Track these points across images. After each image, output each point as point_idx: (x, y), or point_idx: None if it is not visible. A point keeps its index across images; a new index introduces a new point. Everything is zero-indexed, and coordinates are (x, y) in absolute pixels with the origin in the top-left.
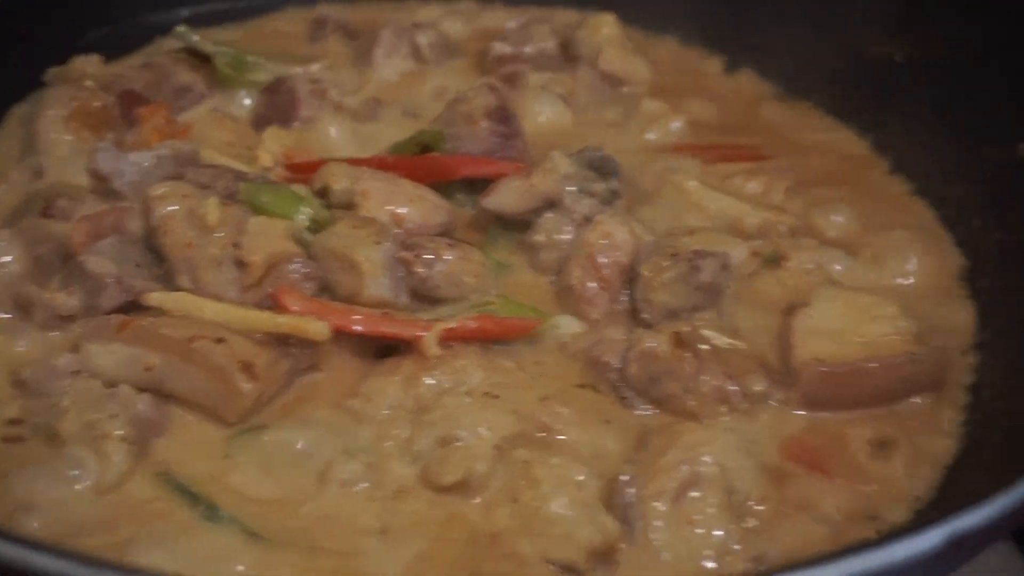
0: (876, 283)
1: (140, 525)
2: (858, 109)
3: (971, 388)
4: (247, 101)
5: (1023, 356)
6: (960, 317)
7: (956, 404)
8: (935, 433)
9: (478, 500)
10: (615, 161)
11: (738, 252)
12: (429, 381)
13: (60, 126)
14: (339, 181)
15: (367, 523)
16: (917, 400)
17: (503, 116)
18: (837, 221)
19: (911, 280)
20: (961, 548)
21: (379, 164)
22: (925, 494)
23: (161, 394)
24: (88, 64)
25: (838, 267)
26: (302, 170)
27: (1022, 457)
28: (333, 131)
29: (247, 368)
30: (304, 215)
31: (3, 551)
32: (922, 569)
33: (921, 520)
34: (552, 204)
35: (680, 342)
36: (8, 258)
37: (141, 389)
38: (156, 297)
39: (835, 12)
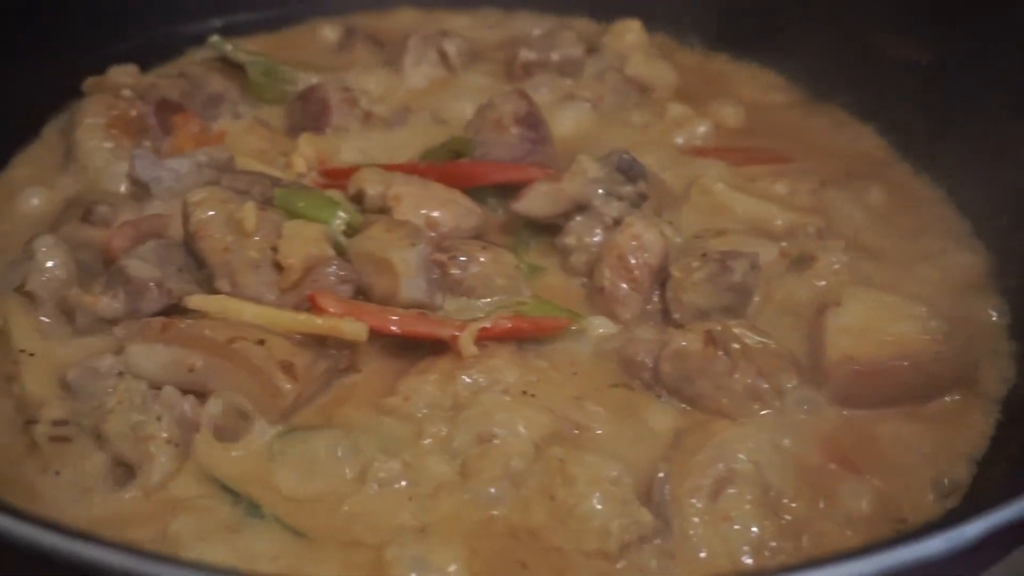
0: (904, 283)
1: (184, 521)
2: (881, 111)
3: (1002, 385)
4: (279, 109)
5: None
6: (989, 316)
7: (987, 402)
8: (965, 431)
9: (516, 496)
10: (642, 164)
11: (766, 253)
12: (466, 379)
13: (99, 134)
14: (373, 186)
15: (406, 520)
16: (948, 398)
17: (532, 122)
18: (863, 222)
19: (939, 280)
20: (995, 543)
21: (411, 170)
22: (956, 492)
23: (203, 395)
24: (124, 74)
25: (866, 267)
26: (336, 176)
27: None
28: (364, 138)
29: (287, 368)
30: (339, 219)
31: (56, 544)
32: (956, 564)
33: (954, 516)
34: (581, 207)
35: (712, 341)
36: (51, 263)
37: (185, 391)
38: (196, 300)
39: (860, 16)
